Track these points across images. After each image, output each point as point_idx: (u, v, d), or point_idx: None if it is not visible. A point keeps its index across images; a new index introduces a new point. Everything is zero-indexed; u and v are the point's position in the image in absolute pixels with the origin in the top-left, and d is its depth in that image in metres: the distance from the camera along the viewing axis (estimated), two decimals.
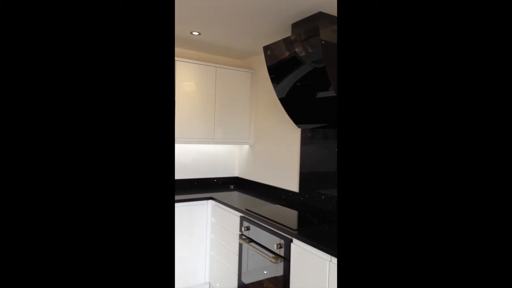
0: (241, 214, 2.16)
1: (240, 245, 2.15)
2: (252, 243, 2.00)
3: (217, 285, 2.44)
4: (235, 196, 2.65)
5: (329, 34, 1.77)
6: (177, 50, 2.85)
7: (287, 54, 1.97)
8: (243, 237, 2.11)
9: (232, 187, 3.08)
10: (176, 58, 2.58)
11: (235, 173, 3.27)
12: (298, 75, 1.95)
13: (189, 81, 2.65)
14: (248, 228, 2.06)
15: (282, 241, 1.75)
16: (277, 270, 1.77)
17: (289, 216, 2.01)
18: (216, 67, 2.76)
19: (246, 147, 3.15)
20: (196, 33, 2.38)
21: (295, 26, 2.04)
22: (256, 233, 1.99)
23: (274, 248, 1.81)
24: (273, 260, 1.75)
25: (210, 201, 2.58)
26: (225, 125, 2.85)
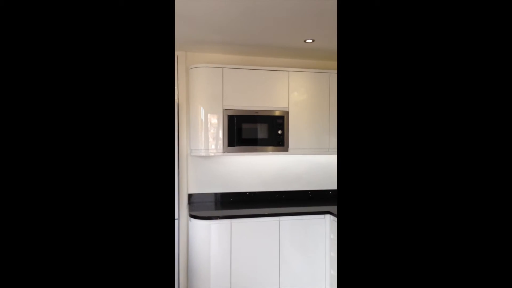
0: None
1: None
2: None
3: None
4: None
5: None
6: (288, 61, 2.81)
7: None
8: None
9: None
10: (287, 69, 2.54)
11: None
12: None
13: (301, 90, 2.58)
14: None
15: None
16: None
17: None
18: (329, 73, 2.62)
19: None
20: (309, 41, 2.29)
21: None
22: None
23: None
24: None
25: (328, 216, 2.42)
26: None
